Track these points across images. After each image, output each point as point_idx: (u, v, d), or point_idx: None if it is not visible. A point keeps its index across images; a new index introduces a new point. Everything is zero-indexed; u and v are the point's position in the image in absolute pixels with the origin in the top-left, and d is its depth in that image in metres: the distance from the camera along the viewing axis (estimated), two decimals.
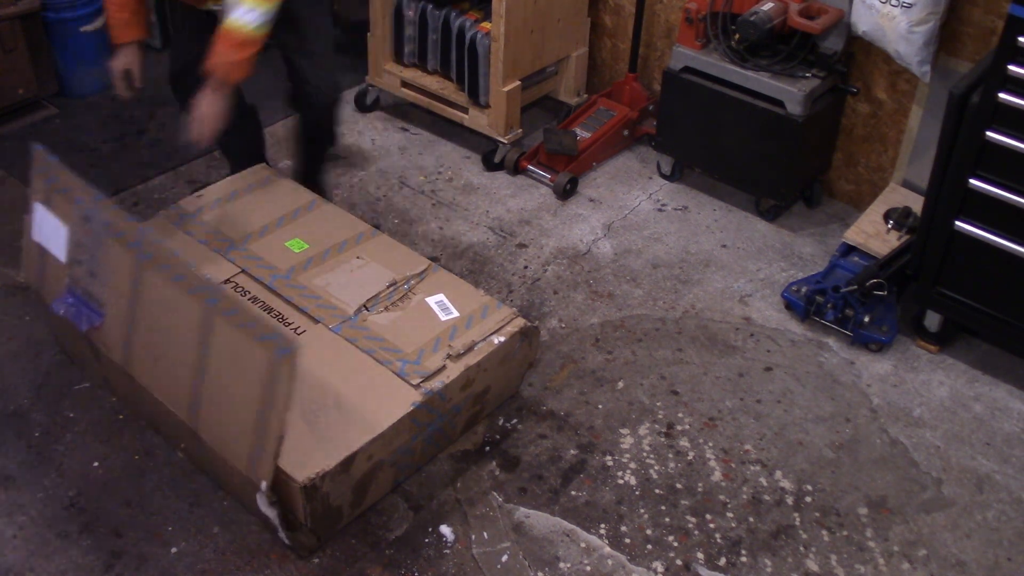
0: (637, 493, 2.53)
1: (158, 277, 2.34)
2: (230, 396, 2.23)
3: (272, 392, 2.12)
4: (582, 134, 3.69)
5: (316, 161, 3.30)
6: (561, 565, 2.35)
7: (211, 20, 2.82)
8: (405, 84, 3.83)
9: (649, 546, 2.41)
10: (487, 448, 2.64)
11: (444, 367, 2.48)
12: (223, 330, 2.22)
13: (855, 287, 2.93)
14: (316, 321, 2.58)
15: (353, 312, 2.60)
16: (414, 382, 2.42)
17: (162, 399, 2.38)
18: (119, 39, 2.83)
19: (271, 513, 2.22)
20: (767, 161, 3.33)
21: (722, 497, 2.53)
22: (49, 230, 2.56)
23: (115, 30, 2.82)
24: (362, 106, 4.00)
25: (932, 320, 2.96)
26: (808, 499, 2.54)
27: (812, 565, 2.38)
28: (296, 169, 3.31)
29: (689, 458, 2.63)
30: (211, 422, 2.29)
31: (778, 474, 2.60)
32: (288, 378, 2.10)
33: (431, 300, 2.66)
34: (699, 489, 2.55)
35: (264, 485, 2.17)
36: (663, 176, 3.69)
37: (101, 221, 2.43)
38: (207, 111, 2.62)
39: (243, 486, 2.31)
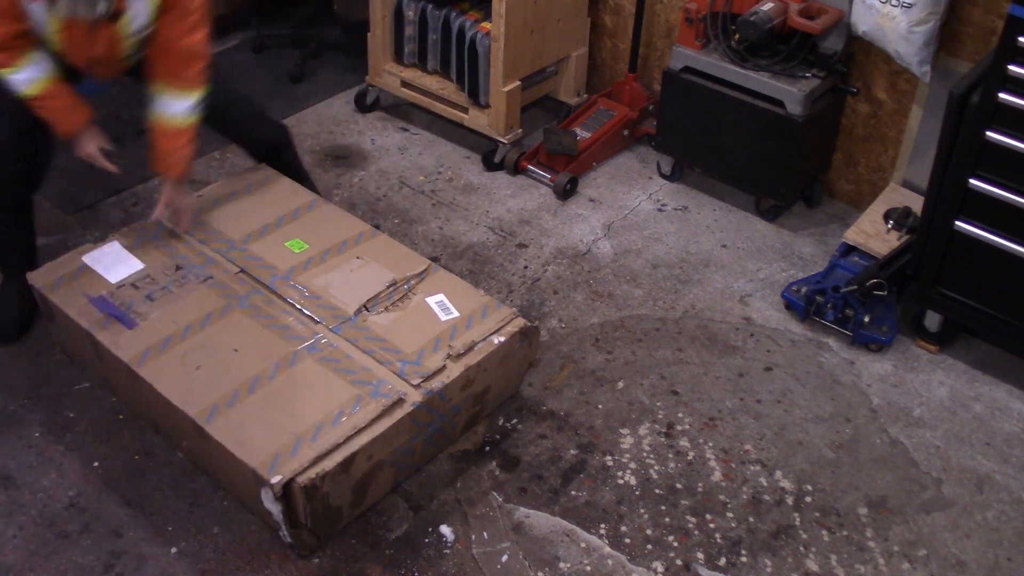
0: (637, 493, 2.53)
1: (251, 323, 2.57)
2: (282, 408, 2.35)
3: (344, 418, 2.31)
4: (582, 134, 3.69)
5: (290, 164, 3.21)
6: (561, 565, 2.35)
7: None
8: (405, 84, 3.83)
9: (649, 546, 2.41)
10: (487, 448, 2.64)
11: (444, 367, 2.48)
12: (309, 367, 2.45)
13: (855, 287, 2.92)
14: (316, 321, 2.58)
15: (353, 312, 2.60)
16: (414, 382, 2.42)
17: (168, 396, 2.39)
18: (74, 127, 2.66)
19: (275, 509, 2.22)
20: (767, 161, 3.32)
21: (722, 497, 2.53)
22: (112, 260, 2.74)
23: (65, 123, 2.64)
24: (362, 106, 4.00)
25: (932, 320, 2.96)
26: (808, 499, 2.54)
27: (812, 565, 2.38)
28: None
29: (689, 458, 2.63)
30: (233, 424, 2.32)
31: (778, 474, 2.60)
32: (371, 414, 2.32)
33: (431, 300, 2.66)
34: (699, 489, 2.55)
35: (277, 479, 2.17)
36: (663, 176, 3.69)
37: (201, 274, 2.69)
38: (188, 204, 2.80)
39: (246, 484, 2.31)
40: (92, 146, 2.71)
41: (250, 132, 3.08)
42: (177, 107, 2.60)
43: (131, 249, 2.76)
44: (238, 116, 3.00)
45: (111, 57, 2.57)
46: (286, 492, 2.21)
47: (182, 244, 2.79)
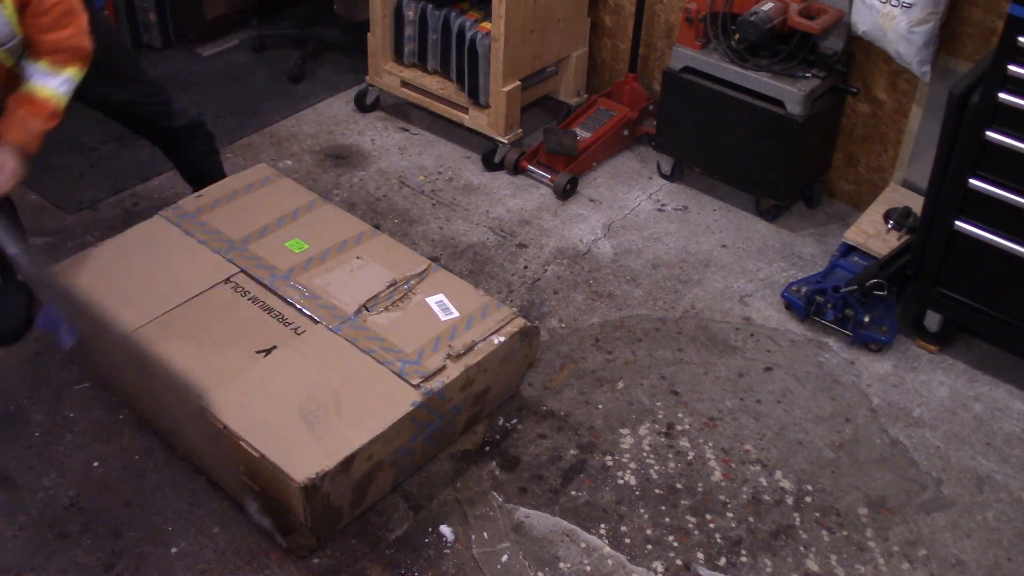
0: (637, 493, 2.53)
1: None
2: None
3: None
4: (582, 134, 3.69)
5: (209, 156, 3.18)
6: (561, 565, 2.35)
7: None
8: (405, 84, 3.83)
9: (649, 546, 2.41)
10: (487, 448, 2.64)
11: (444, 367, 2.48)
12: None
13: (855, 287, 2.93)
14: (316, 321, 2.58)
15: (353, 312, 2.60)
16: (414, 382, 2.42)
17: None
18: None
19: (264, 522, 2.24)
20: (767, 161, 3.33)
21: (722, 497, 2.53)
22: None
23: None
24: (362, 106, 4.00)
25: (932, 320, 2.96)
26: (808, 499, 2.54)
27: (812, 565, 2.38)
28: (196, 174, 3.18)
29: (689, 458, 2.63)
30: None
31: (778, 474, 2.60)
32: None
33: (431, 300, 2.66)
34: (699, 489, 2.55)
35: (250, 499, 2.26)
36: (663, 176, 3.69)
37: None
38: (13, 168, 2.44)
39: (241, 484, 2.31)
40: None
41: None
42: (43, 79, 2.44)
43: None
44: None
45: None
46: (278, 495, 2.22)
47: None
